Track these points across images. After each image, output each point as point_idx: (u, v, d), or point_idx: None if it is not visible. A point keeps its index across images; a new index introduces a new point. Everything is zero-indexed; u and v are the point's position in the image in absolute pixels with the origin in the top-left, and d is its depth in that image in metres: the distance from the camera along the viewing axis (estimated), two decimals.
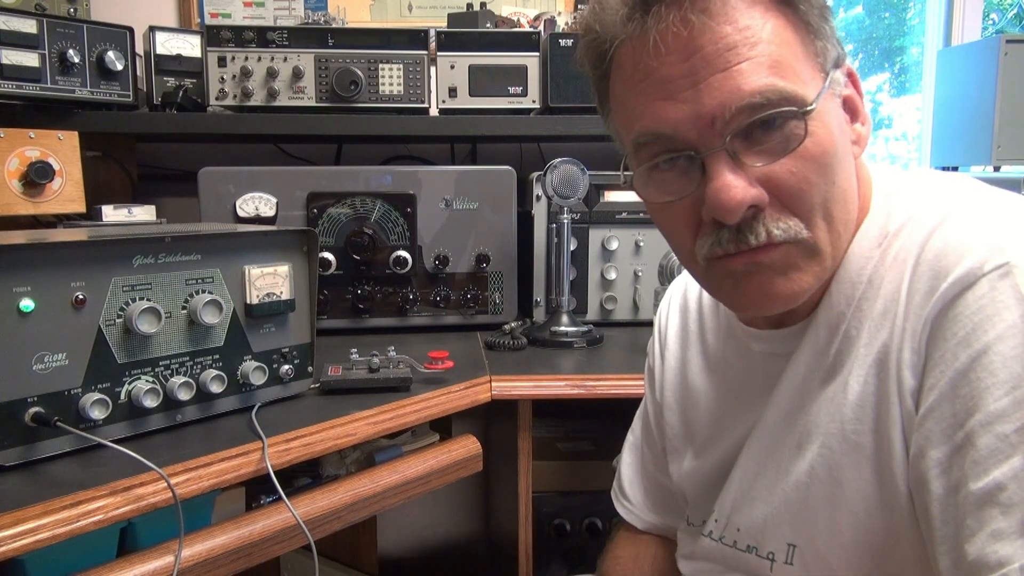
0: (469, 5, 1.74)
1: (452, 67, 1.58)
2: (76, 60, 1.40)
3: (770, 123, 0.59)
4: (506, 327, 1.43)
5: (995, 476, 0.53)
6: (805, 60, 0.61)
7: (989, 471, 0.53)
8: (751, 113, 0.58)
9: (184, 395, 0.90)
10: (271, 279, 0.99)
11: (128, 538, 0.79)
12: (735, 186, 0.59)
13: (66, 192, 1.33)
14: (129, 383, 0.87)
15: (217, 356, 0.95)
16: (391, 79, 1.57)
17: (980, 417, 0.54)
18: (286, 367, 1.01)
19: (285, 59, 1.54)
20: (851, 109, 0.66)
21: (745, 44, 0.58)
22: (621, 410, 1.08)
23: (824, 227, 0.62)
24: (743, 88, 0.58)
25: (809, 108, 0.59)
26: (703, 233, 0.63)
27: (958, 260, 0.57)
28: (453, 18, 1.72)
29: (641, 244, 1.52)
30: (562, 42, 1.57)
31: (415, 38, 1.59)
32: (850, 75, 0.66)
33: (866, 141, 0.67)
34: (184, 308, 0.92)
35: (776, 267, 0.62)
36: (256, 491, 0.92)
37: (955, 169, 2.12)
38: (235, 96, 1.55)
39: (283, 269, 1.00)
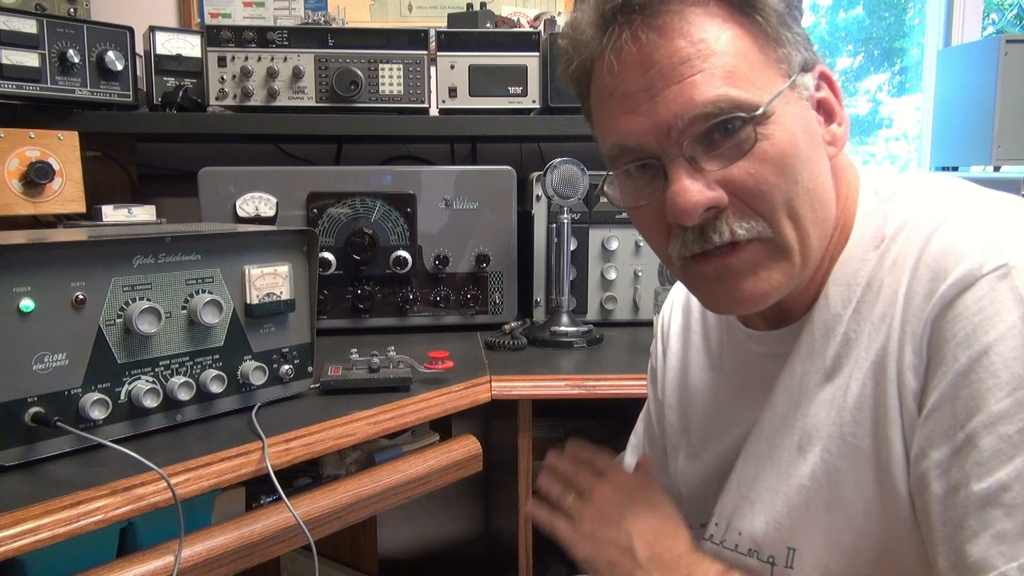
0: (469, 5, 1.74)
1: (452, 67, 1.58)
2: (76, 60, 1.40)
3: (725, 129, 0.61)
4: (506, 327, 1.43)
5: (999, 477, 0.53)
6: (764, 68, 0.62)
7: (992, 472, 0.53)
8: (704, 121, 0.60)
9: (184, 395, 0.90)
10: (271, 279, 0.99)
11: (128, 538, 0.79)
12: (691, 190, 0.61)
13: (66, 192, 1.33)
14: (129, 383, 0.87)
15: (217, 356, 0.95)
16: (391, 79, 1.57)
17: (982, 418, 0.54)
18: (286, 367, 1.01)
19: (285, 59, 1.54)
20: (826, 111, 0.67)
21: (699, 56, 0.60)
22: (621, 410, 1.08)
23: (790, 225, 0.63)
24: (695, 99, 0.60)
25: (758, 113, 0.60)
26: (673, 236, 0.66)
27: (957, 262, 0.58)
28: (453, 18, 1.72)
29: (641, 244, 1.52)
30: (560, 43, 1.57)
31: (415, 38, 1.59)
32: (824, 77, 0.67)
33: (843, 142, 0.68)
34: (184, 308, 0.92)
35: (745, 268, 0.64)
36: (256, 491, 0.92)
37: (955, 169, 2.12)
38: (235, 96, 1.55)
39: (283, 269, 1.00)
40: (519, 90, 1.60)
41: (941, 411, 0.57)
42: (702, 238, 0.63)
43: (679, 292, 0.91)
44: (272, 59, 1.54)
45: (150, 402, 0.87)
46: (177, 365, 0.91)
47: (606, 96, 0.65)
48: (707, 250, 0.63)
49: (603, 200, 1.51)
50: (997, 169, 2.00)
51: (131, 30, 1.49)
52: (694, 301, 0.88)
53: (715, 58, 0.60)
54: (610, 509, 0.76)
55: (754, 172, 0.61)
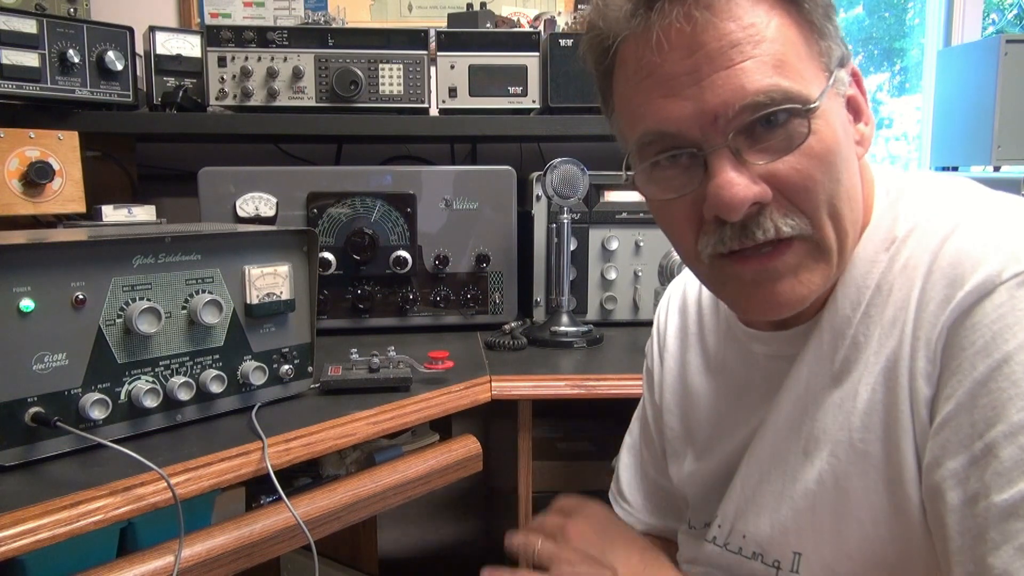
0: (469, 5, 1.74)
1: (452, 67, 1.58)
2: (76, 60, 1.40)
3: (773, 121, 0.59)
4: (506, 327, 1.43)
5: (1021, 488, 0.52)
6: (809, 59, 0.61)
7: (1014, 483, 0.52)
8: (754, 111, 0.58)
9: (184, 395, 0.90)
10: (271, 279, 0.99)
11: (128, 538, 0.79)
12: (737, 183, 0.59)
13: (66, 192, 1.33)
14: (129, 383, 0.87)
15: (217, 356, 0.95)
16: (391, 79, 1.57)
17: (1003, 428, 0.53)
18: (286, 367, 1.01)
19: (285, 59, 1.54)
20: (855, 109, 0.66)
21: (749, 42, 0.58)
22: (621, 410, 1.08)
23: (830, 225, 0.61)
24: (747, 87, 0.57)
25: (812, 106, 0.58)
26: (705, 231, 0.63)
27: (974, 268, 0.57)
28: (453, 18, 1.72)
29: (641, 244, 1.52)
30: (562, 42, 1.57)
31: (415, 38, 1.59)
32: (854, 75, 0.66)
33: (870, 141, 0.67)
34: (184, 308, 0.92)
35: (786, 270, 0.62)
36: (256, 491, 0.92)
37: (955, 169, 2.12)
38: (235, 96, 1.55)
39: (283, 269, 1.00)
40: (519, 90, 1.60)
41: (957, 420, 0.55)
42: (743, 234, 0.60)
43: (675, 292, 0.91)
44: (272, 59, 1.54)
45: (150, 402, 0.87)
46: (177, 365, 0.91)
47: (643, 77, 0.61)
48: (745, 247, 0.61)
49: (603, 200, 1.51)
50: (997, 169, 2.00)
51: (131, 30, 1.49)
52: (691, 301, 0.87)
53: (765, 45, 0.58)
54: (589, 545, 0.74)
55: (800, 168, 0.59)
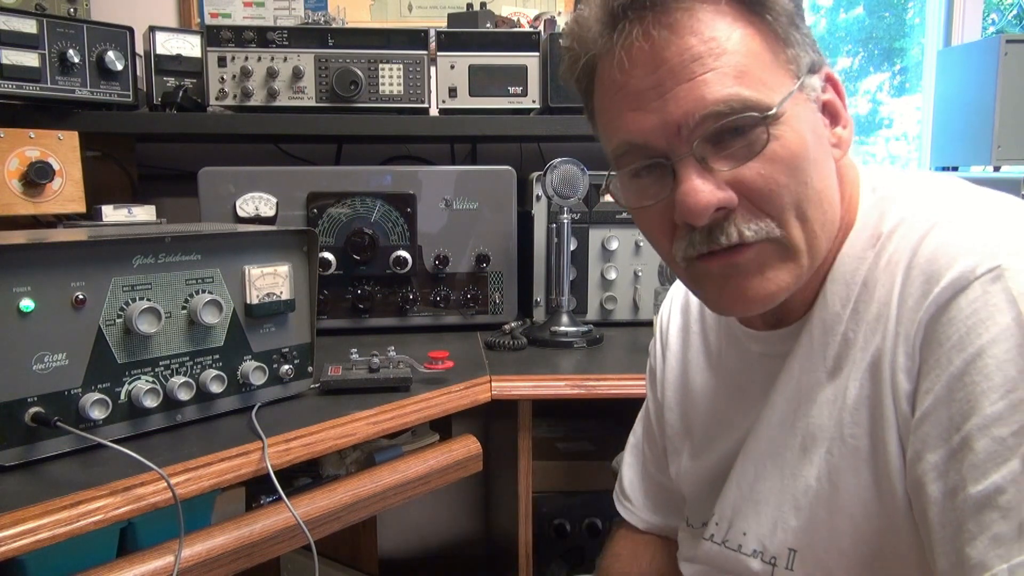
0: (469, 5, 1.74)
1: (452, 67, 1.58)
2: (76, 60, 1.40)
3: (736, 129, 0.60)
4: (506, 327, 1.43)
5: (994, 480, 0.53)
6: (774, 68, 0.62)
7: (988, 475, 0.53)
8: (715, 120, 0.60)
9: (184, 395, 0.90)
10: (271, 279, 0.99)
11: (128, 538, 0.79)
12: (701, 190, 0.61)
13: (66, 192, 1.33)
14: (129, 383, 0.87)
15: (217, 356, 0.95)
16: (391, 79, 1.57)
17: (977, 421, 0.54)
18: (286, 367, 1.01)
19: (285, 59, 1.54)
20: (831, 113, 0.67)
21: (710, 55, 0.60)
22: (621, 410, 1.08)
23: (798, 226, 0.62)
24: (707, 97, 0.59)
25: (771, 113, 0.60)
26: (678, 236, 0.65)
27: (950, 264, 0.58)
28: (453, 18, 1.72)
29: (641, 244, 1.52)
30: (562, 42, 1.57)
31: (415, 38, 1.59)
32: (830, 80, 0.67)
33: (847, 144, 0.68)
34: (184, 308, 0.92)
35: (751, 267, 0.63)
36: (256, 491, 0.92)
37: (955, 169, 2.12)
38: (235, 96, 1.55)
39: (283, 269, 1.00)
40: (519, 90, 1.60)
41: (936, 414, 0.57)
42: (710, 239, 0.62)
43: (678, 291, 0.91)
44: (272, 59, 1.54)
45: (150, 402, 0.87)
46: (177, 365, 0.91)
47: (613, 93, 0.64)
48: (713, 250, 0.63)
49: (603, 200, 1.51)
50: (997, 169, 2.00)
51: (131, 30, 1.49)
52: (693, 301, 0.88)
53: (726, 57, 0.60)
54: None
55: (764, 173, 0.61)
